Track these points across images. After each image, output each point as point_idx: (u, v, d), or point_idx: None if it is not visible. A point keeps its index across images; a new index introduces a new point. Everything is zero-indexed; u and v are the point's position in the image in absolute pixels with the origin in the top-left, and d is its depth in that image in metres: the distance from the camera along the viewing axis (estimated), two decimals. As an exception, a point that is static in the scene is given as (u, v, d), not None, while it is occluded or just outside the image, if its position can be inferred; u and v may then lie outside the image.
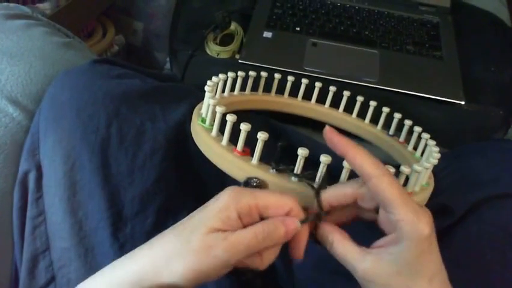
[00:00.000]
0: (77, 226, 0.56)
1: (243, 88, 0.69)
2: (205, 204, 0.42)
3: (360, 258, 0.39)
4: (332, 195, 0.42)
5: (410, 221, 0.36)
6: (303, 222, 0.40)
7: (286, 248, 0.47)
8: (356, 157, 0.39)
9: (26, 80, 0.61)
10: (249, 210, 0.39)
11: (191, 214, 0.42)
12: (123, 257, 0.43)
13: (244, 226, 0.39)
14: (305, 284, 0.62)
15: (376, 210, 0.41)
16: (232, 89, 0.67)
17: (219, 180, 0.48)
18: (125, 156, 0.58)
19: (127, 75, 0.66)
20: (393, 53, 0.91)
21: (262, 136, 0.44)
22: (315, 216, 0.42)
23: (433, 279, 0.37)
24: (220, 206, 0.39)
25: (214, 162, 0.47)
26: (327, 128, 0.42)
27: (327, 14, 0.98)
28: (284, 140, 0.47)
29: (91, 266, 0.56)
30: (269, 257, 0.43)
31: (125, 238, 0.57)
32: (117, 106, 0.59)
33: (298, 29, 0.94)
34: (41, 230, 0.58)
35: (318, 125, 0.77)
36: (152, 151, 0.59)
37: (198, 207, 0.43)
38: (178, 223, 0.42)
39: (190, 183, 0.64)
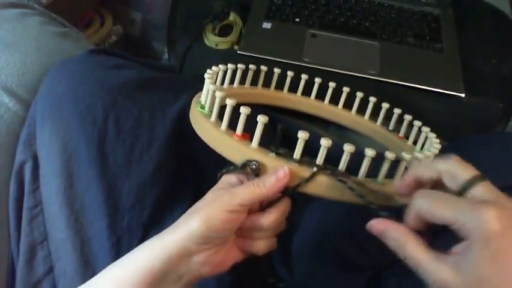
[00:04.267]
0: (73, 217, 0.56)
1: (242, 81, 0.68)
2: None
3: (437, 267, 0.34)
4: (421, 169, 0.39)
5: (471, 221, 0.32)
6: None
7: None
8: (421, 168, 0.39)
9: (21, 70, 0.61)
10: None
11: None
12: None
13: None
14: (303, 276, 0.62)
15: None
16: (232, 81, 0.67)
17: (218, 170, 0.47)
18: (123, 147, 0.58)
19: (125, 66, 0.65)
20: (394, 45, 0.90)
21: (262, 119, 0.43)
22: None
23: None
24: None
25: (213, 147, 0.47)
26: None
27: (327, 5, 0.97)
28: (284, 124, 0.46)
29: (87, 258, 0.56)
30: (266, 244, 0.45)
31: (122, 230, 0.57)
32: (114, 97, 0.59)
33: (297, 20, 0.93)
34: (39, 221, 0.57)
35: (316, 120, 0.77)
36: (149, 142, 0.59)
37: (197, 197, 0.44)
38: None
39: (189, 174, 0.63)
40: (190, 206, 0.44)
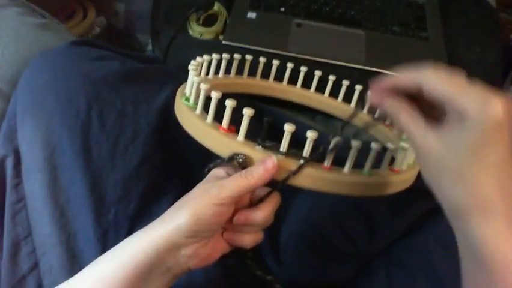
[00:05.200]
0: (58, 212, 0.55)
1: (227, 71, 0.68)
2: None
3: (423, 133, 0.36)
4: (402, 79, 0.39)
5: (475, 102, 0.33)
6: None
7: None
8: (397, 79, 0.39)
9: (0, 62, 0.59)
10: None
11: None
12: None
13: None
14: (291, 265, 0.63)
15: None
16: (217, 71, 0.66)
17: (204, 161, 0.47)
18: (107, 140, 0.57)
19: (107, 58, 0.64)
20: (379, 34, 0.90)
21: (248, 112, 0.43)
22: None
23: (493, 168, 0.33)
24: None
25: (199, 141, 0.46)
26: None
27: (312, -6, 0.96)
28: (270, 118, 0.46)
29: (73, 252, 0.55)
30: (253, 238, 0.45)
31: (108, 224, 0.56)
32: (97, 89, 0.58)
33: (282, 9, 0.92)
34: (22, 216, 0.56)
35: (303, 109, 0.77)
36: (134, 135, 0.58)
37: (184, 190, 0.44)
38: None
39: (174, 166, 0.63)
40: (177, 198, 0.44)
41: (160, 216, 0.43)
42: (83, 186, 0.55)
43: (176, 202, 0.43)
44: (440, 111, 0.37)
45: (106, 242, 0.56)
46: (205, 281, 0.57)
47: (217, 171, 0.46)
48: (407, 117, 0.38)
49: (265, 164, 0.42)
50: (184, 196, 0.44)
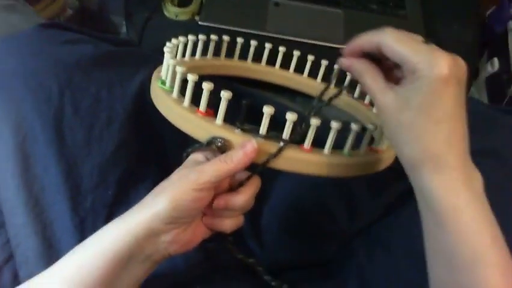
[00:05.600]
0: (32, 201, 0.53)
1: (204, 52, 0.66)
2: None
3: (383, 92, 0.39)
4: (364, 39, 0.42)
5: (424, 61, 0.36)
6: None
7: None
8: (359, 40, 0.42)
9: (-38, 46, 0.57)
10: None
11: None
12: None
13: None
14: (273, 245, 0.63)
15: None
16: (193, 53, 0.64)
17: (182, 144, 0.46)
18: (81, 126, 0.55)
19: (79, 41, 0.62)
20: (358, 13, 0.89)
21: (225, 95, 0.42)
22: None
23: (441, 123, 0.36)
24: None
25: (176, 125, 0.45)
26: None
27: (290, -28, 0.95)
28: (249, 100, 0.45)
29: (50, 242, 0.54)
30: (233, 222, 0.45)
31: (86, 212, 0.55)
32: (69, 74, 0.56)
33: (260, -12, 0.90)
34: None
35: (283, 90, 0.76)
36: (109, 120, 0.57)
37: (161, 175, 0.43)
38: None
39: (152, 151, 0.61)
40: (155, 184, 0.43)
41: (138, 203, 0.42)
42: (57, 174, 0.54)
43: (155, 188, 0.43)
44: (402, 73, 0.39)
45: (83, 230, 0.55)
46: (187, 266, 0.56)
47: (196, 156, 0.45)
48: (370, 78, 0.41)
49: (244, 147, 0.41)
50: (163, 182, 0.43)
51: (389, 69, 0.42)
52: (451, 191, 0.35)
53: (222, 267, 0.59)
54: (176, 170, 0.44)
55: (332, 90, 0.64)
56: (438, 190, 0.35)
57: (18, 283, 0.51)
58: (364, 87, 0.42)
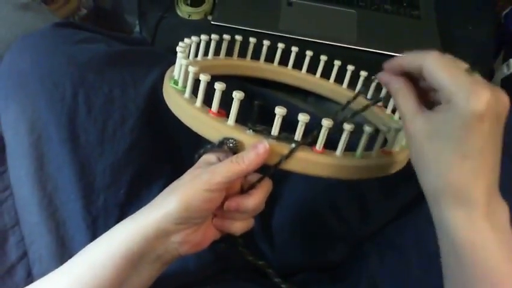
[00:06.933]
0: (46, 200, 0.54)
1: (216, 52, 0.66)
2: None
3: (413, 115, 0.38)
4: (407, 59, 0.40)
5: (462, 92, 0.34)
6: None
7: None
8: (402, 59, 0.40)
9: (-21, 45, 0.57)
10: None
11: None
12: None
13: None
14: (284, 247, 0.62)
15: None
16: (206, 53, 0.64)
17: (195, 145, 0.46)
18: (94, 125, 0.56)
19: (93, 40, 0.62)
20: (371, 13, 0.89)
21: (238, 95, 0.42)
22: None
23: (468, 158, 0.34)
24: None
25: (188, 125, 0.45)
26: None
27: (303, -28, 0.94)
28: (261, 100, 0.45)
29: (63, 240, 0.54)
30: (244, 225, 0.45)
31: (98, 211, 0.55)
32: (83, 73, 0.56)
33: (273, -13, 0.90)
34: (9, 205, 0.55)
35: (295, 90, 0.76)
36: (122, 119, 0.57)
37: (174, 175, 0.43)
38: None
39: (165, 150, 0.62)
40: (167, 184, 0.43)
41: (150, 203, 0.42)
42: (71, 173, 0.54)
43: (166, 188, 0.43)
44: (438, 98, 0.38)
45: (96, 229, 0.55)
46: (198, 266, 0.57)
47: (208, 157, 0.45)
48: (403, 98, 0.39)
49: (256, 148, 0.41)
50: (175, 182, 0.43)
51: (427, 91, 0.41)
52: (470, 227, 0.34)
53: (233, 268, 0.59)
54: (189, 171, 0.44)
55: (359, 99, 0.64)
56: (457, 224, 0.35)
57: (32, 281, 0.52)
58: (397, 106, 0.40)
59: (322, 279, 0.62)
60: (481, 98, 0.33)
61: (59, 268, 0.41)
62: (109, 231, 0.42)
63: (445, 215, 0.35)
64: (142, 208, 0.42)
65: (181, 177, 0.43)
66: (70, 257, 0.42)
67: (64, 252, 0.54)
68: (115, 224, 0.42)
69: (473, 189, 0.34)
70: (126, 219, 0.42)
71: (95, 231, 0.55)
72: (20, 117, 0.54)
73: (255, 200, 0.43)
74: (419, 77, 0.40)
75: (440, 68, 0.36)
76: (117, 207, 0.56)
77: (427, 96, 0.40)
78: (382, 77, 0.43)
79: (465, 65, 0.36)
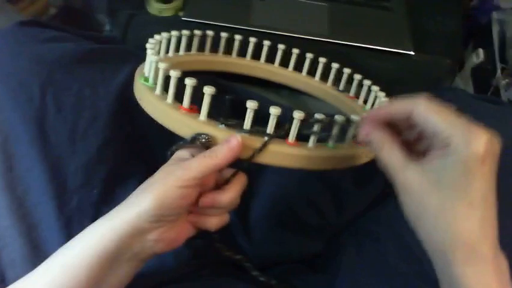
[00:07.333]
0: (16, 203, 0.53)
1: (188, 48, 0.66)
2: None
3: (403, 166, 0.36)
4: (396, 107, 0.38)
5: (460, 135, 0.33)
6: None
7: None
8: (390, 107, 0.39)
9: None
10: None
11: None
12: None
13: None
14: (262, 241, 0.62)
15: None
16: (177, 49, 0.64)
17: (168, 141, 0.46)
18: (64, 125, 0.55)
19: (60, 38, 0.61)
20: (342, 5, 0.89)
21: (208, 90, 0.41)
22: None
23: (474, 207, 0.32)
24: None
25: (160, 122, 0.45)
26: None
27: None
28: (233, 95, 0.45)
29: (36, 243, 0.53)
30: (219, 220, 0.44)
31: (72, 211, 0.54)
32: (51, 72, 0.55)
33: (243, -18, 0.90)
34: None
35: (268, 84, 0.76)
36: (93, 118, 0.56)
37: (148, 173, 0.43)
38: None
39: (137, 148, 0.61)
40: (142, 181, 0.42)
41: (123, 201, 0.42)
42: (41, 174, 0.53)
43: (140, 186, 0.42)
44: (425, 146, 0.37)
45: (70, 230, 0.54)
46: (175, 263, 0.56)
47: (181, 153, 0.44)
48: (389, 150, 0.37)
49: (229, 142, 0.41)
50: (148, 179, 0.42)
51: (409, 142, 0.39)
52: (481, 284, 0.32)
53: (211, 264, 0.59)
54: (161, 168, 0.43)
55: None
56: (469, 282, 0.32)
57: (5, 286, 0.51)
58: (382, 161, 0.38)
59: (301, 271, 0.62)
60: (480, 140, 0.32)
61: (33, 271, 0.41)
62: (83, 231, 0.41)
63: (454, 271, 0.33)
64: (116, 207, 0.42)
65: (154, 174, 0.42)
66: (45, 259, 0.41)
67: (37, 254, 0.53)
68: (90, 224, 0.42)
69: (483, 243, 0.33)
70: (100, 218, 0.42)
71: (69, 232, 0.54)
72: None
73: (230, 194, 0.43)
74: (402, 128, 0.39)
75: (433, 112, 0.35)
76: (91, 207, 0.56)
77: (409, 148, 0.38)
78: (363, 131, 0.40)
79: (453, 107, 0.35)
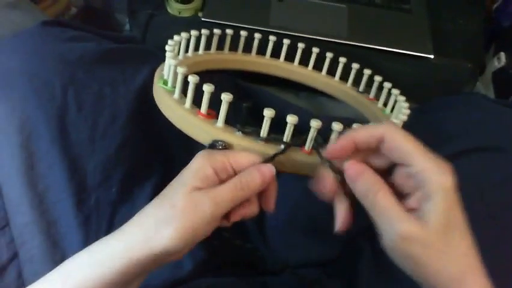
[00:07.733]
0: (37, 200, 0.53)
1: (207, 47, 0.66)
2: (181, 172, 0.40)
3: (405, 218, 0.34)
4: (364, 133, 0.37)
5: (434, 168, 0.33)
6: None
7: (259, 215, 0.46)
8: (362, 131, 0.37)
9: (-35, 44, 0.56)
10: (224, 166, 0.39)
11: (170, 183, 0.40)
12: (111, 233, 0.39)
13: (223, 182, 0.39)
14: (277, 244, 0.62)
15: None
16: (197, 49, 0.64)
17: (185, 144, 0.46)
18: (85, 124, 0.55)
19: (82, 38, 0.62)
20: (362, 7, 0.89)
21: (226, 97, 0.41)
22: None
23: (464, 232, 0.34)
24: (196, 166, 0.39)
25: (177, 126, 0.45)
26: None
27: (293, -33, 0.94)
28: (251, 100, 0.44)
29: (55, 240, 0.54)
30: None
31: (90, 209, 0.55)
32: (72, 71, 0.56)
33: (263, -17, 0.89)
34: None
35: (287, 84, 0.76)
36: (113, 117, 0.57)
37: (166, 173, 0.42)
38: (161, 193, 0.39)
39: (156, 148, 0.61)
40: (159, 181, 0.43)
41: (142, 226, 0.38)
42: (62, 171, 0.54)
43: (159, 211, 0.38)
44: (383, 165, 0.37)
45: (88, 228, 0.55)
46: (192, 264, 0.56)
47: (205, 170, 0.39)
48: (386, 200, 0.35)
49: (264, 176, 0.39)
50: (170, 207, 0.37)
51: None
52: None
53: (227, 265, 0.59)
54: (183, 190, 0.38)
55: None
56: None
57: (23, 282, 0.52)
58: (375, 207, 0.36)
59: (319, 276, 0.62)
60: (448, 169, 0.33)
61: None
62: (97, 259, 0.38)
63: None
64: (133, 230, 0.38)
65: (177, 199, 0.37)
66: (63, 256, 0.42)
67: (55, 252, 0.53)
68: (107, 223, 0.42)
69: (482, 269, 0.34)
70: (117, 245, 0.38)
71: (87, 230, 0.54)
72: (9, 117, 0.54)
73: (257, 207, 0.42)
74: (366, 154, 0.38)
75: (406, 138, 0.35)
76: (109, 205, 0.56)
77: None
78: (351, 170, 0.37)
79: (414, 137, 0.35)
